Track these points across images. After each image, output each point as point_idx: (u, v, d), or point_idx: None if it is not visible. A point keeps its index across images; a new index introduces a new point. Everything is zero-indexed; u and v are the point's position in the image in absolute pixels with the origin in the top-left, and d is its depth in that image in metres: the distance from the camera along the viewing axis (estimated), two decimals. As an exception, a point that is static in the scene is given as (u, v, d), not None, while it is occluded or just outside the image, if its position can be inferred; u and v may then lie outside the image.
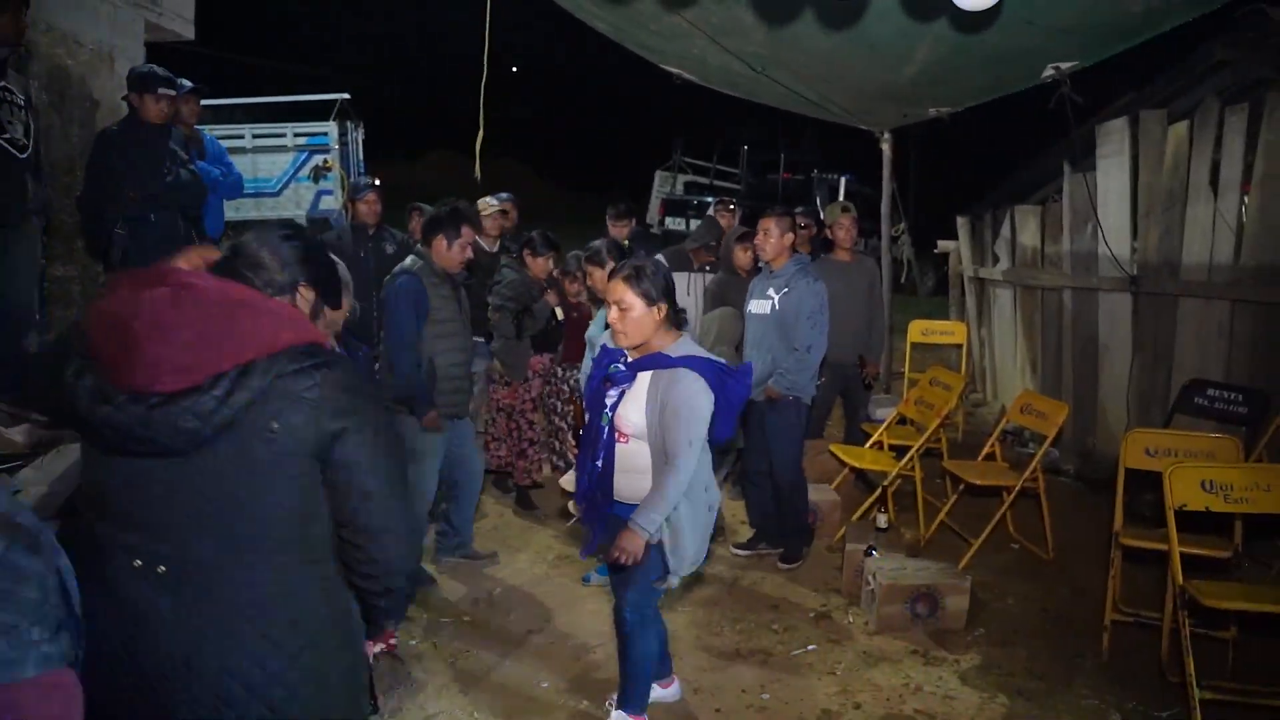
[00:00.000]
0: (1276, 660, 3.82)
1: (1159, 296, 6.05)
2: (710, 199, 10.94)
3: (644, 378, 3.10)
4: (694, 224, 12.91)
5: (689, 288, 6.34)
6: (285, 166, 14.16)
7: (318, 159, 14.13)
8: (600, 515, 3.24)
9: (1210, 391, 5.36)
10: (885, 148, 7.37)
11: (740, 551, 5.12)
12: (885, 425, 5.83)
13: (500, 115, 5.06)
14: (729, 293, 5.70)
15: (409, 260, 4.45)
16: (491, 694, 3.70)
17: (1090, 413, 6.75)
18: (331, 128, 14.25)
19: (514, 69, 32.70)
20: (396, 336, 4.31)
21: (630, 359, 3.16)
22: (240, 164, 6.53)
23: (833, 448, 5.64)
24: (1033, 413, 5.30)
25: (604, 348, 3.28)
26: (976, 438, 6.78)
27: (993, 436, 5.54)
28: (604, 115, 32.98)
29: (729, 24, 5.20)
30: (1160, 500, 3.68)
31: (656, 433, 3.04)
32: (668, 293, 3.13)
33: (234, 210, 10.48)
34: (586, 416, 3.27)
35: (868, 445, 5.72)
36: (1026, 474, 5.01)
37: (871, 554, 4.55)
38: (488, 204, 6.29)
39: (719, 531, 5.37)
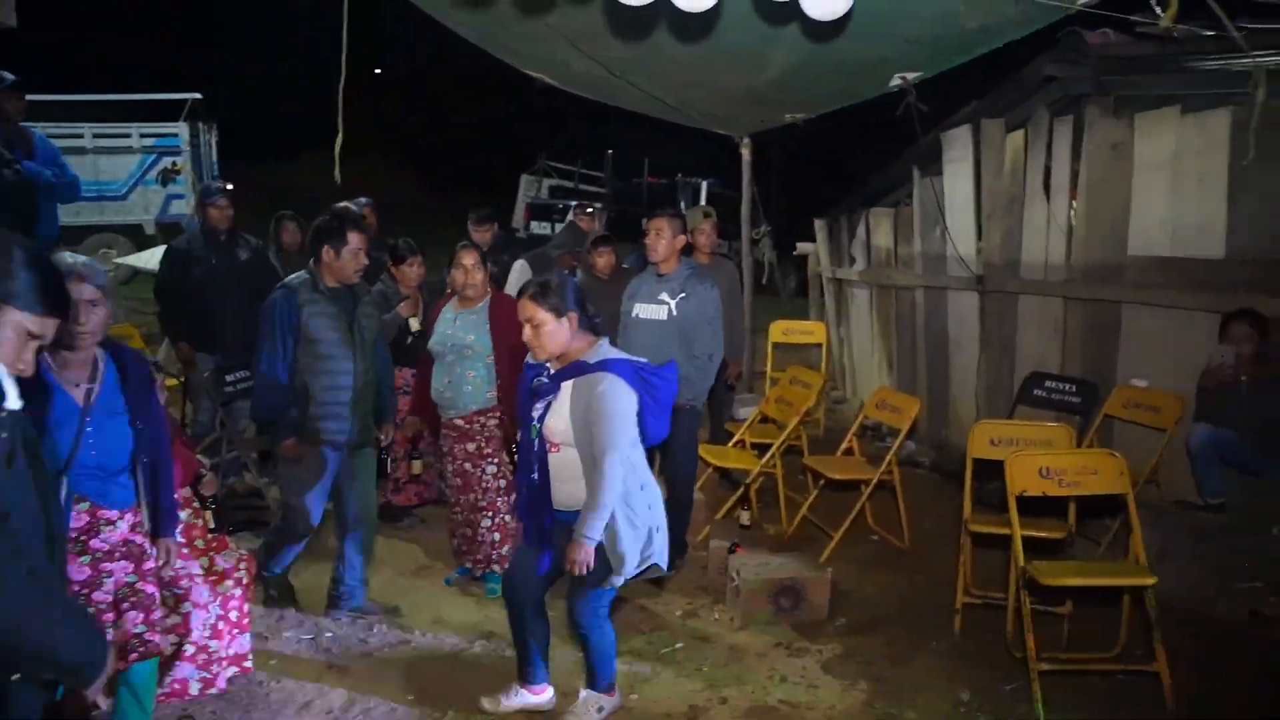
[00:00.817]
0: (1105, 629, 4.09)
1: (1002, 295, 6.39)
2: (573, 203, 10.95)
3: (568, 386, 3.21)
4: (559, 228, 12.91)
5: None
6: (131, 169, 13.43)
7: (167, 161, 13.46)
8: (542, 526, 3.33)
9: (1048, 383, 5.70)
10: (745, 152, 7.54)
11: (664, 573, 5.00)
12: (747, 424, 5.96)
13: (366, 117, 4.93)
14: (587, 295, 5.72)
15: (295, 275, 4.17)
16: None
17: (943, 406, 7.08)
18: (182, 129, 13.61)
19: (377, 70, 31.97)
20: (256, 357, 4.10)
21: (553, 370, 3.27)
22: (80, 165, 6.18)
23: (699, 448, 5.73)
24: (888, 408, 5.51)
25: (527, 363, 3.36)
26: (837, 434, 6.97)
27: (851, 432, 5.74)
28: (471, 118, 32.58)
29: (589, 30, 5.22)
30: (1004, 487, 3.89)
31: (584, 439, 3.14)
32: (577, 301, 3.24)
33: (73, 215, 9.90)
34: (519, 433, 3.34)
35: (731, 444, 5.83)
36: (883, 467, 5.20)
37: (735, 551, 4.64)
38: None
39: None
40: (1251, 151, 4.36)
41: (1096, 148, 5.64)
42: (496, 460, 4.50)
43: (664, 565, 3.38)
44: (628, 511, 3.20)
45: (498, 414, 4.49)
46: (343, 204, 6.12)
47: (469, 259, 4.56)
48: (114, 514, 2.89)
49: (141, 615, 2.95)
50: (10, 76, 5.25)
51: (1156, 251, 5.35)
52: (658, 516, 3.34)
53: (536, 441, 3.24)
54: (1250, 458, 4.68)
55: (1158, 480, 5.03)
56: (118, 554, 2.90)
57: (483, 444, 4.50)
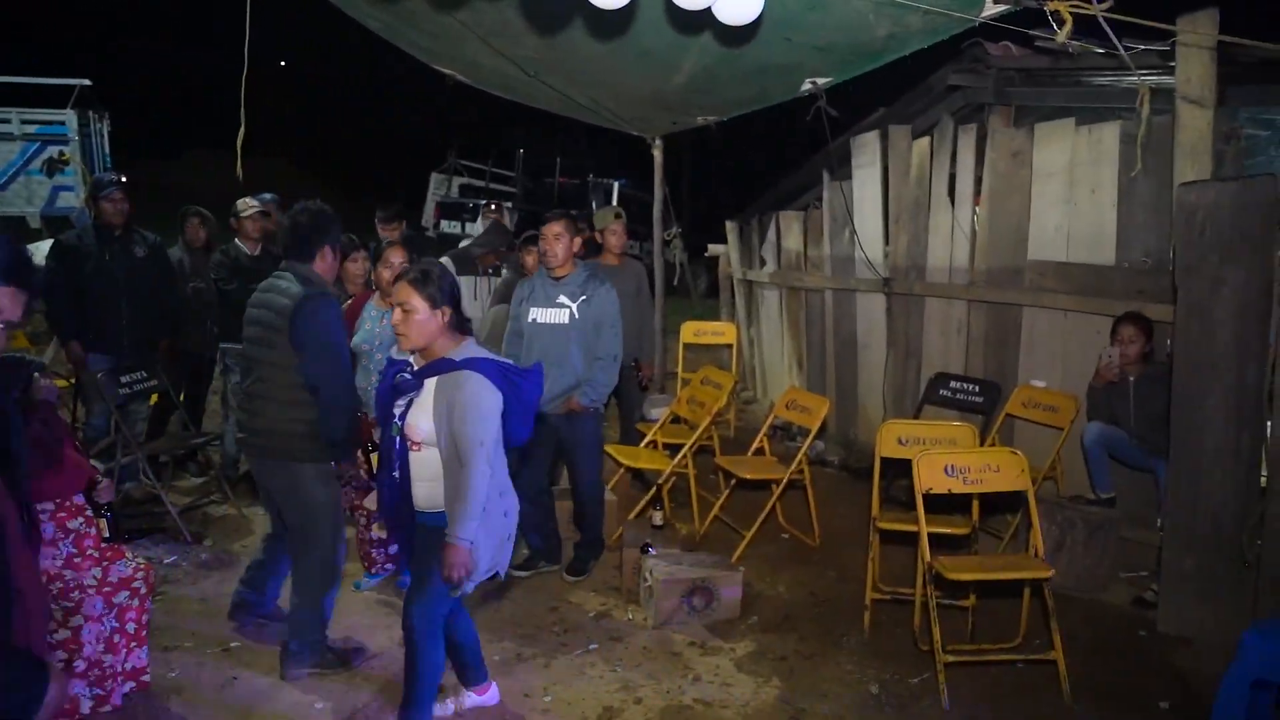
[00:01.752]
0: (1006, 620, 4.24)
1: (908, 297, 6.57)
2: (484, 202, 10.85)
3: (431, 384, 3.11)
4: (470, 227, 12.75)
5: (474, 291, 6.26)
6: (12, 158, 12.68)
7: (53, 150, 12.78)
8: (406, 528, 3.24)
9: (952, 384, 5.88)
10: (657, 153, 7.56)
11: (518, 573, 4.87)
12: (659, 425, 5.98)
13: (268, 112, 4.77)
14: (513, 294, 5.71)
15: (300, 282, 3.62)
16: (259, 723, 3.50)
17: (852, 406, 7.23)
18: (70, 116, 12.92)
19: (283, 63, 31.10)
20: (339, 368, 3.67)
21: (416, 367, 3.17)
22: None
23: (609, 448, 5.70)
24: (798, 408, 5.60)
25: (389, 358, 3.26)
26: (748, 434, 7.07)
27: (762, 432, 5.81)
28: (379, 115, 31.97)
29: (501, 27, 5.16)
30: (911, 485, 3.99)
31: (446, 438, 3.04)
32: (453, 298, 3.14)
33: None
34: (377, 432, 3.21)
35: (643, 445, 5.84)
36: (793, 467, 5.28)
37: (649, 551, 4.65)
38: (247, 204, 5.96)
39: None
40: (1139, 164, 4.59)
41: (998, 156, 5.84)
42: None
43: (503, 573, 3.27)
44: (484, 517, 3.07)
45: None
46: (242, 199, 5.97)
47: (397, 256, 4.50)
48: None
49: None
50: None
51: (1054, 257, 5.57)
52: (511, 524, 3.23)
53: (398, 440, 3.12)
54: (1137, 454, 4.92)
55: (1055, 477, 5.24)
56: None
57: None
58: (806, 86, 5.52)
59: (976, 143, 6.05)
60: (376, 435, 3.27)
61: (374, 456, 3.33)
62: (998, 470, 3.98)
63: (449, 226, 14.27)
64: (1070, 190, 5.47)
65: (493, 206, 7.36)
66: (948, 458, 4.01)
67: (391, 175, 21.02)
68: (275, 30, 4.45)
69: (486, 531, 3.09)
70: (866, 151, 6.89)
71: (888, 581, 4.51)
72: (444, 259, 6.66)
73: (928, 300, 6.46)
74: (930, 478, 3.96)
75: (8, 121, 12.84)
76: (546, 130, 13.94)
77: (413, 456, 3.13)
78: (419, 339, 3.10)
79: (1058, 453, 5.16)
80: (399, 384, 3.16)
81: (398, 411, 3.13)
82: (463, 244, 8.11)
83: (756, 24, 4.13)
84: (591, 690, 3.81)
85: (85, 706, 3.39)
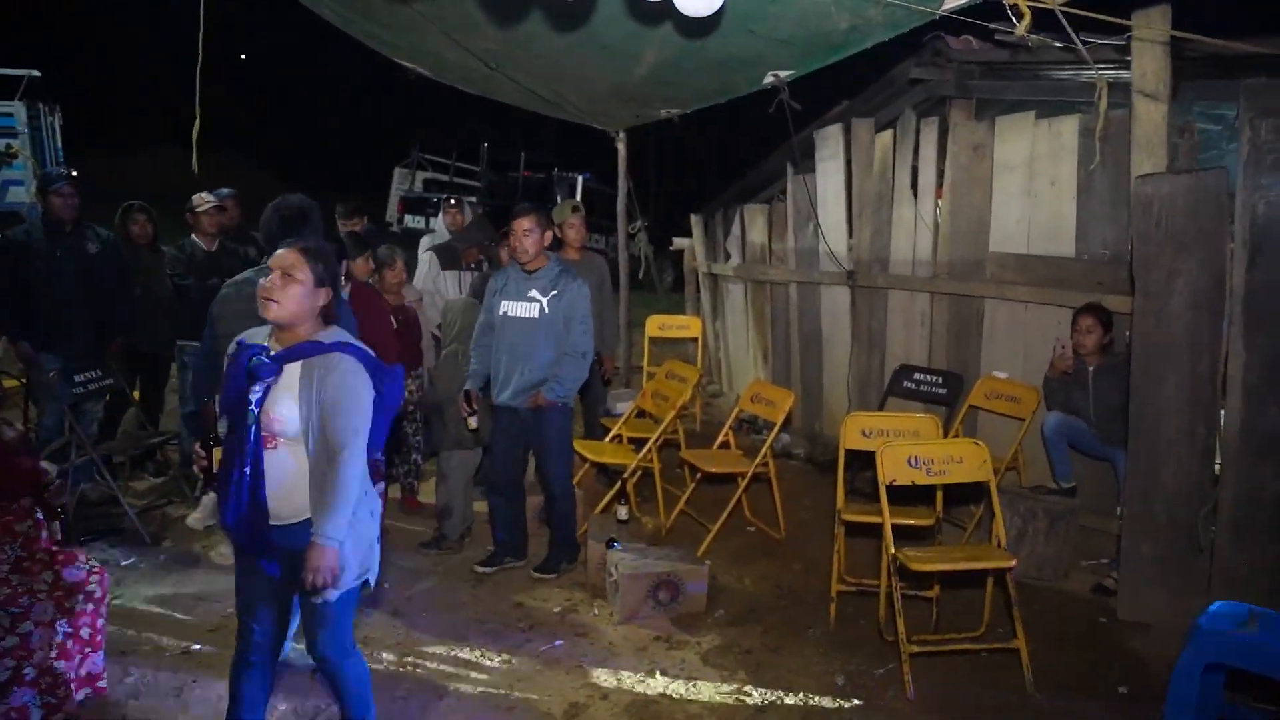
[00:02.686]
0: (969, 610, 4.28)
1: (872, 290, 6.59)
2: (446, 195, 10.76)
3: (293, 369, 2.77)
4: (434, 222, 12.62)
5: (459, 286, 6.23)
6: (-43, 150, 12.40)
7: (1, 143, 12.47)
8: (256, 541, 2.79)
9: (916, 375, 5.92)
10: (620, 147, 7.54)
11: (483, 569, 4.87)
12: (624, 419, 5.96)
13: (226, 106, 4.68)
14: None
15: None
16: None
17: (817, 399, 7.25)
18: (18, 108, 12.61)
19: (243, 55, 30.62)
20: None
21: (274, 350, 2.80)
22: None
23: (575, 443, 5.69)
24: (763, 401, 5.61)
25: (240, 342, 2.86)
26: (713, 427, 7.07)
27: (727, 425, 5.81)
28: (340, 109, 31.58)
29: (462, 19, 5.10)
30: (876, 477, 4.01)
31: (316, 428, 2.73)
32: (335, 286, 2.92)
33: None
34: (221, 426, 2.79)
35: (607, 439, 5.83)
36: (758, 460, 5.29)
37: (614, 546, 4.63)
38: (203, 199, 5.86)
39: (468, 534, 5.30)
40: (1097, 157, 4.65)
41: (959, 149, 5.88)
42: None
43: (374, 580, 2.97)
44: (352, 519, 2.76)
45: None
46: (198, 194, 5.87)
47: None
48: None
49: None
50: None
51: (1015, 249, 5.61)
52: (377, 526, 2.96)
53: (251, 432, 2.71)
54: (1096, 444, 4.97)
55: (1018, 467, 5.29)
56: None
57: None
58: (769, 79, 5.51)
59: (939, 136, 6.08)
60: (220, 428, 2.81)
61: (216, 452, 2.84)
62: (961, 461, 4.01)
63: (413, 221, 14.13)
64: (1030, 183, 5.52)
65: (452, 201, 7.28)
66: (911, 449, 4.03)
67: (353, 170, 20.77)
68: (233, 22, 4.36)
69: (355, 534, 2.79)
70: (830, 144, 6.90)
71: (853, 573, 4.53)
72: (429, 252, 6.59)
73: (891, 293, 6.49)
74: (894, 469, 3.98)
75: None
76: (510, 124, 13.87)
77: (267, 455, 2.74)
78: (291, 312, 2.76)
79: (1019, 443, 5.21)
80: (255, 368, 2.75)
81: (253, 398, 2.72)
82: (428, 238, 8.04)
83: (718, 16, 4.12)
84: (558, 686, 3.79)
85: (35, 716, 3.30)
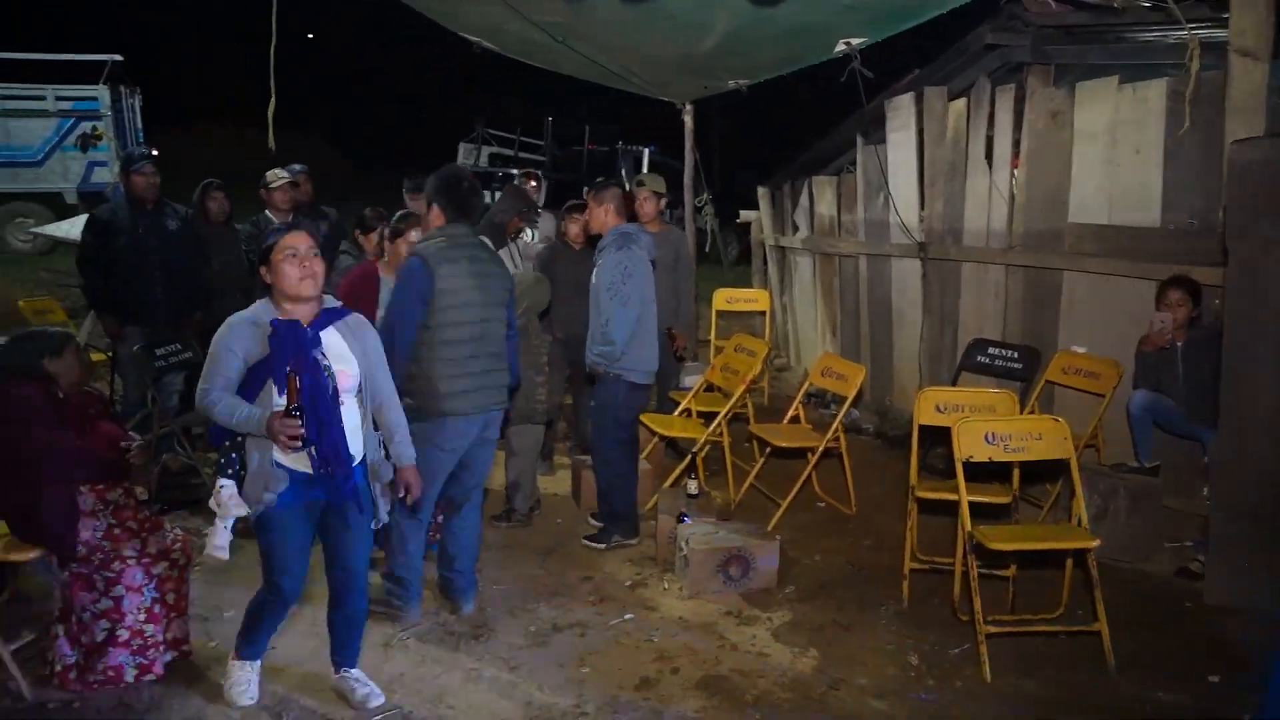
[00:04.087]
0: (1046, 591, 4.17)
1: (944, 262, 6.45)
2: (514, 171, 10.79)
3: (329, 334, 3.11)
4: (498, 195, 12.74)
5: (512, 259, 6.26)
6: (47, 134, 12.81)
7: (86, 126, 12.85)
8: (342, 484, 3.07)
9: (990, 350, 5.77)
10: (687, 119, 7.47)
11: (593, 545, 4.91)
12: (693, 393, 5.93)
13: (291, 84, 4.74)
14: (555, 261, 5.73)
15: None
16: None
17: (887, 373, 7.15)
18: (102, 92, 13.00)
19: (310, 35, 31.04)
20: None
21: (304, 323, 3.05)
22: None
23: (642, 417, 5.67)
24: (833, 375, 5.53)
25: (275, 322, 3.02)
26: (781, 401, 7.03)
27: (796, 400, 5.75)
28: (405, 86, 31.86)
29: (529, -9, 5.09)
30: (950, 453, 3.92)
31: (369, 378, 3.20)
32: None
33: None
34: (278, 397, 2.96)
35: (676, 413, 5.81)
36: (829, 435, 5.22)
37: (684, 520, 4.62)
38: (277, 175, 5.96)
39: (537, 507, 5.34)
40: (1187, 122, 4.45)
41: (1036, 117, 5.69)
42: None
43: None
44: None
45: None
46: (271, 170, 5.96)
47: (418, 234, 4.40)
48: None
49: None
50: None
51: (1095, 220, 5.43)
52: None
53: (329, 392, 3.00)
54: (1182, 421, 4.80)
55: (1097, 444, 5.14)
56: None
57: None
58: (840, 47, 5.41)
59: (1014, 104, 5.89)
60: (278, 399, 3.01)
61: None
62: (1040, 438, 3.90)
63: (478, 197, 14.23)
64: (1113, 150, 5.32)
65: (533, 179, 7.29)
66: (988, 425, 3.93)
67: (418, 146, 20.99)
68: (299, 2, 4.41)
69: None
70: (901, 114, 6.75)
71: (925, 550, 4.45)
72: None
73: (964, 265, 6.34)
74: (970, 445, 3.88)
75: (43, 99, 12.93)
76: (575, 97, 13.85)
77: (342, 409, 3.08)
78: (320, 286, 3.12)
79: (1099, 419, 5.06)
80: (303, 339, 3.01)
81: (325, 364, 3.02)
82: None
83: (790, -17, 4.05)
84: (628, 660, 3.80)
85: (129, 675, 3.43)
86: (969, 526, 3.81)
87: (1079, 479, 3.96)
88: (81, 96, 13.04)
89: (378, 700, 3.37)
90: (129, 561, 3.46)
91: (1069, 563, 4.07)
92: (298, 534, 3.16)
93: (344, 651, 3.45)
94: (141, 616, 3.45)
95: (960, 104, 6.30)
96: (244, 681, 3.37)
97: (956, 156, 6.32)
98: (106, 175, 12.95)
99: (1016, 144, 5.90)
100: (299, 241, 3.05)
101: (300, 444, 2.91)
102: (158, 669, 3.50)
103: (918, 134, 6.65)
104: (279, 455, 3.03)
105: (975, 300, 6.29)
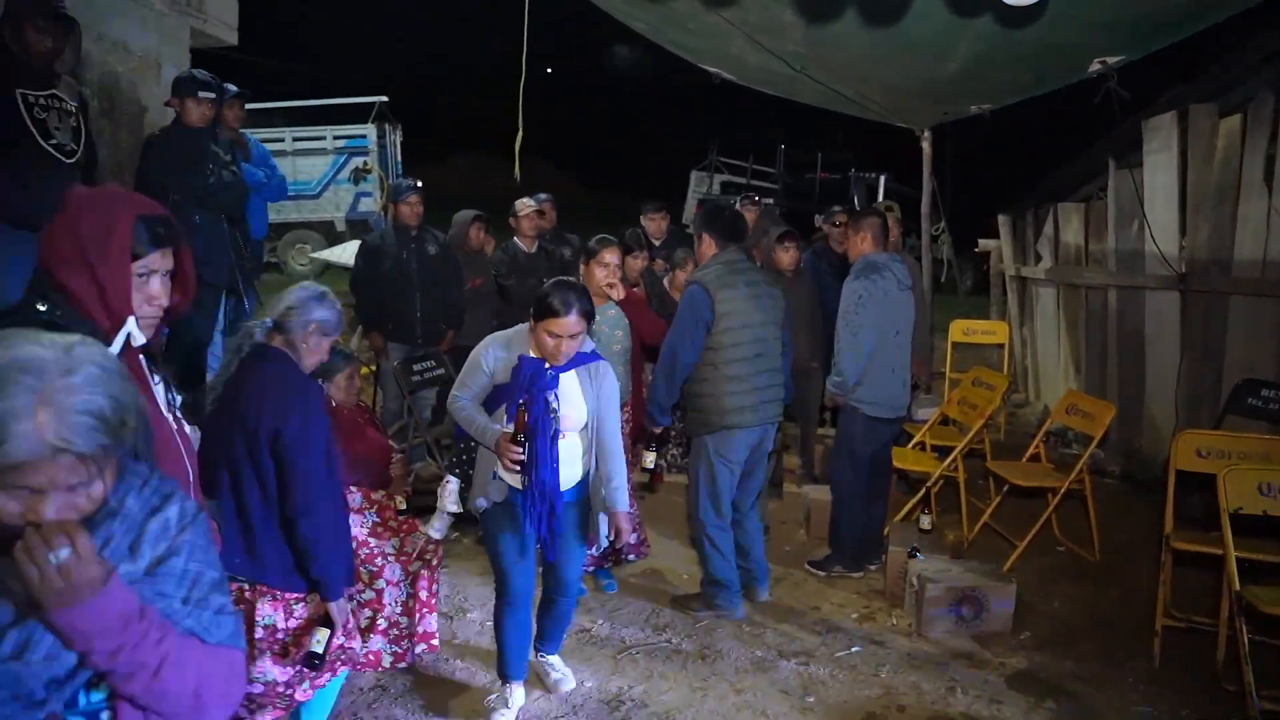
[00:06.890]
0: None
1: (1208, 294, 5.93)
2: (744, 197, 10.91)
3: (569, 376, 3.30)
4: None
5: None
6: (325, 169, 14.34)
7: (357, 161, 14.27)
8: (550, 503, 3.33)
9: (1264, 392, 5.23)
10: (925, 146, 7.29)
11: (814, 570, 4.95)
12: (928, 426, 5.77)
13: (533, 116, 5.05)
14: None
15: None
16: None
17: (1136, 413, 6.63)
18: (370, 130, 14.39)
19: (549, 69, 32.76)
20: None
21: (548, 365, 3.27)
22: (280, 166, 6.60)
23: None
24: (1078, 413, 5.22)
25: (522, 358, 3.29)
26: (1018, 438, 6.70)
27: (1037, 437, 5.46)
28: (639, 116, 32.93)
29: (767, 23, 5.17)
30: (1210, 502, 3.62)
31: (596, 420, 3.36)
32: None
33: (275, 212, 10.65)
34: (506, 423, 3.29)
35: (910, 446, 5.66)
36: (1073, 475, 4.93)
37: (915, 556, 4.50)
38: (525, 204, 6.32)
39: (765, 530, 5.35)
40: None
41: (1328, 134, 5.14)
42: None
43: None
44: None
45: (627, 409, 4.53)
46: (520, 199, 6.35)
47: (613, 256, 4.46)
48: None
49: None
50: (233, 88, 5.65)
51: (1397, 249, 4.83)
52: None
53: (553, 428, 3.25)
54: None
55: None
56: None
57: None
58: (1095, 67, 5.13)
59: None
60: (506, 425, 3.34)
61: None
62: (1325, 492, 3.52)
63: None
64: None
65: (754, 200, 7.39)
66: (1262, 474, 3.59)
67: (651, 174, 21.64)
68: (541, 35, 4.72)
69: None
70: (1160, 135, 6.27)
71: (1180, 607, 4.09)
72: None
73: (1233, 298, 5.79)
74: (1240, 496, 3.56)
75: (323, 139, 14.52)
76: (808, 125, 13.85)
77: (561, 443, 3.31)
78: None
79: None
80: (539, 379, 3.24)
81: (553, 402, 3.26)
82: None
83: (1041, 4, 3.91)
84: (853, 694, 3.74)
85: (386, 662, 3.74)
86: (1237, 585, 3.48)
87: (1374, 539, 3.53)
88: (353, 135, 14.48)
89: (568, 686, 3.73)
90: (389, 558, 3.78)
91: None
92: (513, 537, 3.42)
93: (547, 641, 3.80)
94: (398, 609, 3.76)
95: (1233, 120, 5.78)
96: (503, 703, 3.58)
97: (1226, 179, 5.80)
98: (370, 205, 14.30)
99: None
100: (561, 327, 3.19)
101: (519, 468, 3.24)
102: (409, 659, 3.79)
103: (1180, 155, 6.16)
104: (500, 469, 3.34)
105: (1245, 337, 5.72)
